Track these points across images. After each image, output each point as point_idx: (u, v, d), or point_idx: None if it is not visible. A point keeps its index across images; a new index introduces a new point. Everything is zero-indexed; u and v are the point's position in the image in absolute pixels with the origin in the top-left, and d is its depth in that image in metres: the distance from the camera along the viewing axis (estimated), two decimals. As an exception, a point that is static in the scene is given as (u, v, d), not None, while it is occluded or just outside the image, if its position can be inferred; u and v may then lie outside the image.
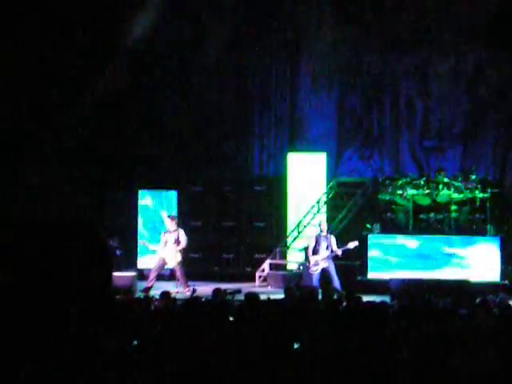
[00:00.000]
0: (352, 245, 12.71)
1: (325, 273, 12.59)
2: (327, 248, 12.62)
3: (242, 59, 16.96)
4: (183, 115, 16.94)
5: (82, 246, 2.99)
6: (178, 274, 13.14)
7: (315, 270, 12.60)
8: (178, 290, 12.70)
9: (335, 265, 12.72)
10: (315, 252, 12.67)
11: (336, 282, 12.51)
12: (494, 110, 16.05)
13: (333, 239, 12.75)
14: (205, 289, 11.66)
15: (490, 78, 16.01)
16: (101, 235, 3.11)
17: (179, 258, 13.15)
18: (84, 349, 2.77)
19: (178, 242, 13.19)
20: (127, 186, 16.23)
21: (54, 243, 2.95)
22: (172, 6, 16.22)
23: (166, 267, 13.48)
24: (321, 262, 12.59)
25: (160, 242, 13.31)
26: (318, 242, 12.71)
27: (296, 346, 5.28)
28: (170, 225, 13.37)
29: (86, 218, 14.29)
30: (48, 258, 2.90)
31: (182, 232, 13.35)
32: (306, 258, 12.99)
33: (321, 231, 12.85)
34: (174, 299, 8.28)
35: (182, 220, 15.61)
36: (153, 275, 13.03)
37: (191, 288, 12.52)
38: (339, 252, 12.60)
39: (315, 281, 12.52)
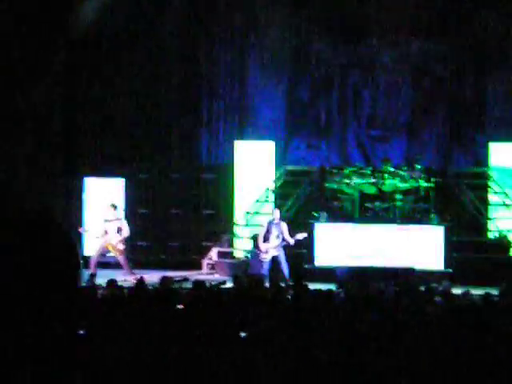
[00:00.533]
0: (301, 236, 12.78)
1: (275, 261, 12.62)
2: (278, 236, 12.63)
3: (190, 45, 16.88)
4: (130, 101, 16.79)
5: (45, 242, 2.69)
6: (122, 263, 13.08)
7: (265, 258, 12.62)
8: (125, 278, 12.64)
9: (285, 253, 12.76)
10: (266, 239, 12.69)
11: (285, 271, 12.56)
12: (438, 101, 16.31)
13: (284, 227, 12.74)
14: (152, 277, 11.62)
15: (434, 68, 16.26)
16: (63, 228, 2.79)
17: (121, 247, 13.09)
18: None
19: (120, 231, 13.12)
20: (73, 173, 16.05)
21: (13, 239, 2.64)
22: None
23: (107, 255, 13.38)
24: (271, 250, 12.61)
25: (100, 231, 13.22)
26: (269, 230, 12.72)
27: (243, 334, 5.32)
28: (112, 214, 13.28)
29: (44, 207, 13.91)
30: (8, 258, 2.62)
31: (124, 222, 13.28)
32: (257, 245, 13.00)
33: (273, 219, 12.87)
34: (121, 287, 8.24)
35: (129, 208, 15.54)
36: (93, 262, 12.96)
37: (138, 276, 12.47)
38: (291, 241, 12.63)
39: (265, 269, 12.55)
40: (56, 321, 2.63)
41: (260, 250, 12.68)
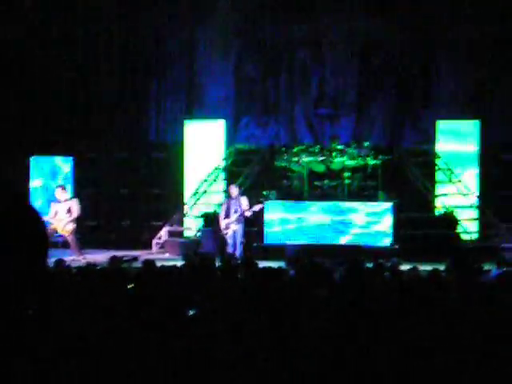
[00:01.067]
0: (257, 207, 12.88)
1: (234, 236, 12.71)
2: (236, 211, 12.73)
3: (136, 24, 16.69)
4: (76, 79, 16.57)
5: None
6: (71, 243, 12.97)
7: (226, 234, 12.71)
8: (74, 258, 12.53)
9: (244, 228, 12.82)
10: (227, 216, 12.76)
11: (238, 248, 12.64)
12: (385, 79, 16.44)
13: (244, 201, 12.80)
14: (101, 256, 11.55)
15: (381, 45, 16.36)
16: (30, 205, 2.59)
17: (71, 227, 12.96)
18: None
19: (70, 211, 12.97)
20: (20, 152, 15.79)
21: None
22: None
23: (56, 235, 13.22)
24: (232, 225, 12.69)
25: (49, 212, 13.07)
26: (228, 207, 12.80)
27: (191, 312, 5.31)
28: (61, 194, 13.12)
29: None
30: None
31: (74, 201, 13.13)
32: (217, 222, 13.03)
33: (230, 195, 12.93)
34: (69, 267, 8.16)
35: (78, 187, 15.37)
36: None
37: (86, 255, 12.40)
38: (249, 213, 12.72)
39: (230, 244, 12.63)
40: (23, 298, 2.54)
41: (220, 227, 12.76)
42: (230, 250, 12.53)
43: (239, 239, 12.70)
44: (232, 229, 12.70)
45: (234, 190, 12.93)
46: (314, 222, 13.81)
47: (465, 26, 15.90)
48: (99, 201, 16.22)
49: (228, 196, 13.11)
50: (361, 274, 7.50)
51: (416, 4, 16.09)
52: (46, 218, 13.14)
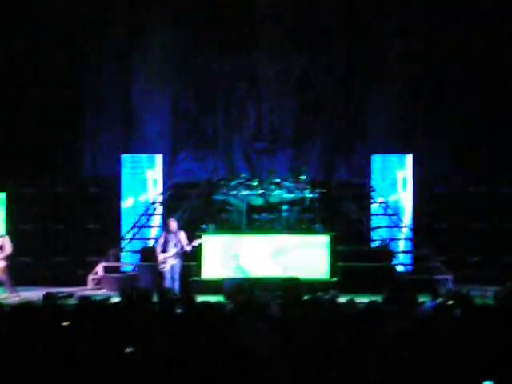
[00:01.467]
0: (196, 242, 12.84)
1: (172, 270, 12.59)
2: (176, 245, 12.62)
3: (72, 57, 16.60)
4: (11, 113, 16.36)
5: None
6: (4, 280, 12.69)
7: (164, 268, 12.57)
8: (5, 296, 12.25)
9: (181, 264, 12.74)
10: (164, 250, 12.63)
11: (176, 282, 12.53)
12: (321, 113, 16.69)
13: (182, 235, 12.71)
14: (36, 294, 11.30)
15: (316, 81, 16.64)
16: None
17: (2, 265, 12.72)
18: None
19: (1, 249, 12.73)
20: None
21: None
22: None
23: None
24: (169, 260, 12.57)
25: None
26: (166, 241, 12.68)
27: (129, 349, 5.25)
28: None
29: None
30: None
31: (6, 239, 12.89)
32: (154, 256, 12.86)
33: (169, 229, 12.80)
34: (1, 305, 7.96)
35: (12, 224, 15.09)
36: None
37: (20, 293, 12.15)
38: (188, 248, 12.65)
39: (168, 278, 12.50)
40: None
41: (158, 261, 12.62)
42: (167, 284, 12.42)
43: (177, 274, 12.60)
44: (170, 263, 12.59)
45: (173, 224, 12.85)
46: (252, 255, 13.82)
47: (394, 63, 16.34)
48: (34, 237, 15.93)
49: (166, 230, 13.02)
50: (299, 307, 7.52)
51: (349, 40, 16.43)
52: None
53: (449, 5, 16.11)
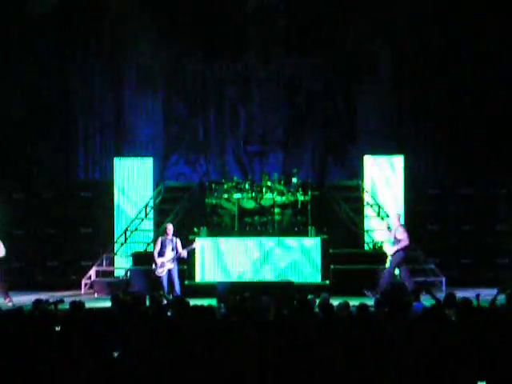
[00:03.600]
0: (192, 247, 12.94)
1: (169, 275, 12.62)
2: (173, 249, 12.66)
3: (63, 63, 16.58)
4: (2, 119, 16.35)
5: None
6: None
7: (161, 272, 12.62)
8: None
9: (178, 268, 12.77)
10: (161, 255, 12.67)
11: (177, 286, 12.57)
12: (312, 115, 16.71)
13: (178, 242, 12.78)
14: (29, 299, 11.25)
15: (307, 83, 16.67)
16: None
17: None
18: None
19: None
20: None
21: None
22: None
23: None
24: (166, 264, 12.61)
25: None
26: (163, 245, 12.71)
27: (115, 354, 5.23)
28: None
29: None
30: None
31: None
32: (150, 260, 12.87)
33: (165, 234, 12.84)
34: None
35: (3, 229, 15.02)
36: None
37: (12, 298, 12.11)
38: (185, 253, 12.69)
39: (165, 282, 12.54)
40: None
41: (156, 265, 12.64)
42: (164, 288, 12.42)
43: (176, 277, 12.63)
44: (167, 268, 12.63)
45: (170, 229, 12.89)
46: (244, 258, 13.82)
47: (386, 62, 16.40)
48: (26, 242, 15.89)
49: (162, 234, 13.01)
50: (291, 310, 7.53)
51: (339, 42, 16.45)
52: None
53: (437, 5, 16.19)
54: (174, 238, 12.80)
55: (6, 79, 16.22)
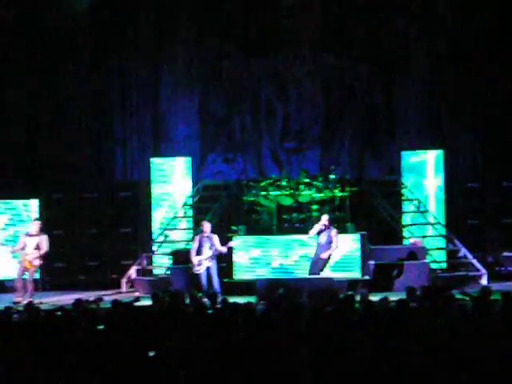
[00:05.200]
0: (233, 243, 12.96)
1: (208, 272, 12.61)
2: (210, 247, 12.66)
3: (101, 63, 16.72)
4: (37, 119, 16.54)
5: None
6: (27, 281, 12.66)
7: (199, 270, 12.61)
8: (19, 300, 12.28)
9: (217, 266, 12.78)
10: (199, 253, 12.68)
11: (216, 283, 12.56)
12: (349, 111, 16.64)
13: (216, 238, 12.77)
14: (71, 298, 11.36)
15: (344, 80, 16.60)
16: None
17: (37, 263, 12.77)
18: None
19: (38, 247, 12.79)
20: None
21: None
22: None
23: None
24: (204, 262, 12.61)
25: (17, 244, 12.92)
26: (200, 243, 12.72)
27: (151, 353, 5.24)
28: (34, 228, 12.94)
29: None
30: None
31: (44, 237, 12.94)
32: (188, 259, 12.91)
33: (202, 232, 12.86)
34: (38, 310, 8.03)
35: (45, 229, 15.20)
36: (20, 284, 12.63)
37: (29, 299, 11.97)
38: (224, 250, 12.70)
39: (203, 280, 12.53)
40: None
41: (193, 263, 12.66)
42: (203, 286, 12.44)
43: (216, 275, 12.63)
44: (205, 265, 12.63)
45: (207, 227, 12.90)
46: (283, 255, 13.79)
47: (424, 57, 16.27)
48: (67, 242, 16.05)
49: (200, 232, 13.03)
50: (334, 306, 7.50)
51: (376, 38, 16.35)
52: (12, 250, 13.02)
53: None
54: (212, 235, 12.80)
55: (44, 81, 16.41)
